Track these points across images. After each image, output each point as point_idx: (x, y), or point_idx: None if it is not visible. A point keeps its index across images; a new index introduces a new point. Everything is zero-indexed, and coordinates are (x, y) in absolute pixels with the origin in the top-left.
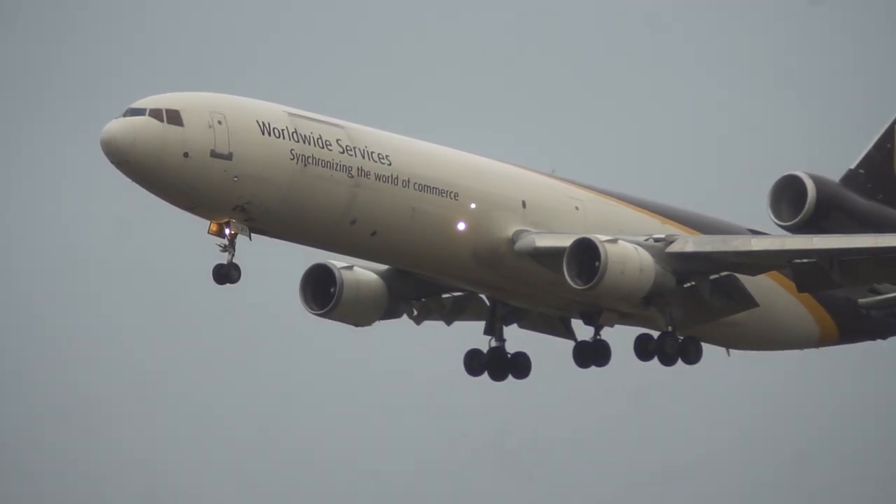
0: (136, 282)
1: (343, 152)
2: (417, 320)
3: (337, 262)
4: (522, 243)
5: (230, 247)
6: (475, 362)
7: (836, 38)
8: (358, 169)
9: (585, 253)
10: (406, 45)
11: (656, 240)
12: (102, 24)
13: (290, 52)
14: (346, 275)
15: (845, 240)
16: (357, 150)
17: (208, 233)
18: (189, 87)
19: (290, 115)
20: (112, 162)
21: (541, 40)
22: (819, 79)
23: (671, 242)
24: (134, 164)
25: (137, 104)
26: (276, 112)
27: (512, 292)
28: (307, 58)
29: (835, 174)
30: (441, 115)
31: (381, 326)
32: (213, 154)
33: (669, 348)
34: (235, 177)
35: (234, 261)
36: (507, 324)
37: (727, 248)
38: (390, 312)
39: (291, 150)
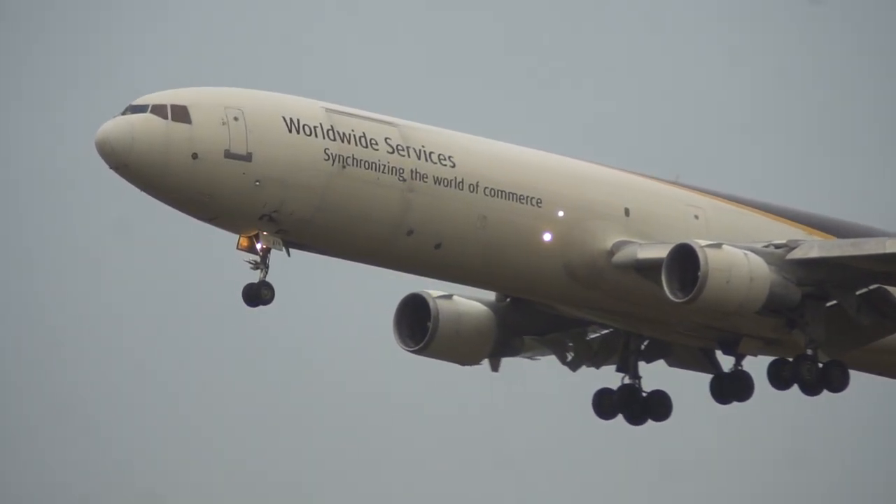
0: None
1: (393, 152)
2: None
3: (434, 290)
4: (622, 255)
5: (262, 264)
6: (605, 403)
7: (836, 38)
8: (412, 171)
9: (686, 261)
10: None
11: (777, 246)
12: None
13: (330, 50)
14: (442, 305)
15: None
16: (412, 150)
17: (238, 248)
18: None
19: (328, 111)
20: (109, 166)
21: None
22: (819, 78)
23: (793, 248)
24: (134, 167)
25: (140, 100)
26: (309, 107)
27: (627, 316)
28: (346, 57)
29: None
30: (511, 118)
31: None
32: (228, 154)
33: (807, 373)
34: (257, 181)
35: (266, 279)
36: (650, 360)
37: (859, 253)
38: (503, 348)
39: (326, 149)
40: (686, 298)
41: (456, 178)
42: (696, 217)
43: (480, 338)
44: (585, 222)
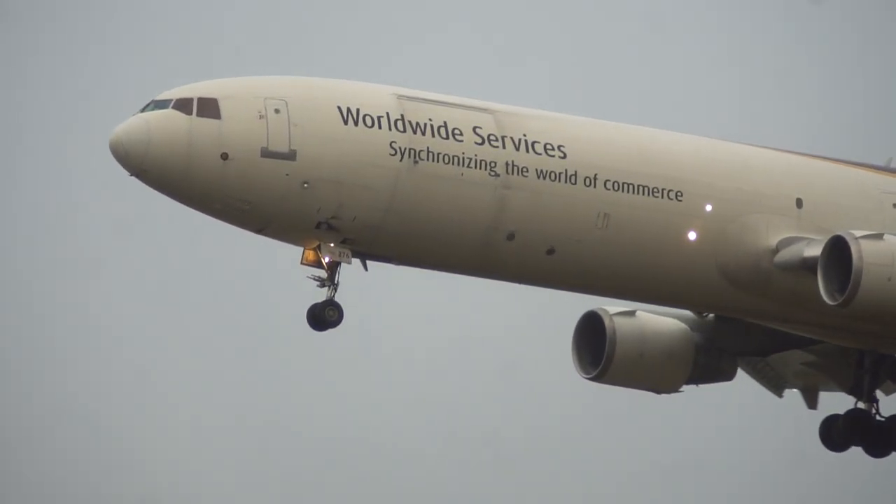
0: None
1: (483, 143)
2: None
3: (614, 307)
4: (785, 254)
5: (329, 280)
6: (834, 431)
7: (837, 38)
8: (507, 164)
9: (845, 257)
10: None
11: None
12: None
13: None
14: (621, 324)
15: None
16: (508, 140)
17: (302, 263)
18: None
19: (401, 97)
20: (128, 172)
21: None
22: (819, 78)
23: None
24: (154, 172)
25: (165, 94)
26: (375, 94)
27: (838, 330)
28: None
29: None
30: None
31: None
32: (266, 153)
33: None
34: (305, 183)
35: (334, 298)
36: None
37: None
38: (709, 373)
39: (392, 142)
40: (840, 301)
41: (567, 170)
42: (895, 206)
43: (674, 361)
44: (743, 217)
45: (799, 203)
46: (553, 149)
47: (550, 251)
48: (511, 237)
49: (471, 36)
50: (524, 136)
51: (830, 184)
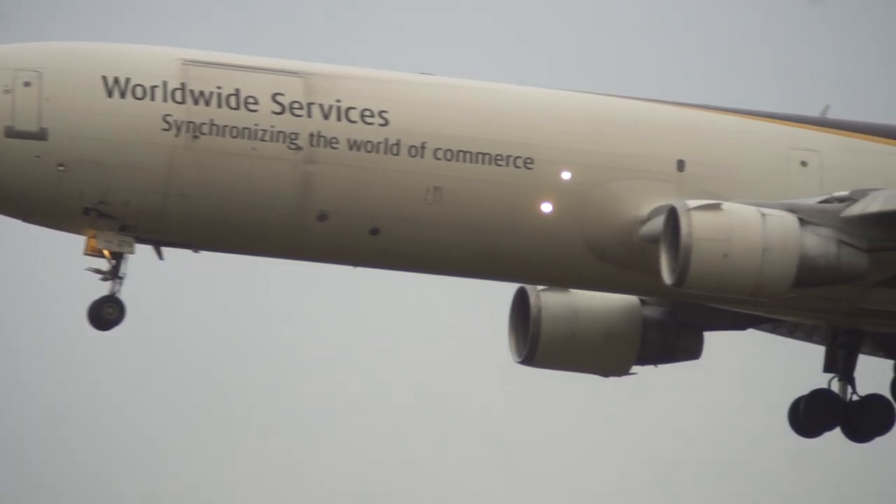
0: None
1: (283, 112)
2: None
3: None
4: (649, 226)
5: (112, 273)
6: (801, 415)
7: (836, 38)
8: (312, 135)
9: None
10: None
11: (840, 200)
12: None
13: None
14: (549, 301)
15: None
16: (316, 108)
17: (85, 253)
18: None
19: (187, 62)
20: None
21: None
22: (819, 78)
23: (855, 202)
24: None
25: None
26: (153, 61)
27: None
28: None
29: None
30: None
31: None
32: (12, 133)
33: None
34: (60, 165)
35: (115, 293)
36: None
37: None
38: (665, 350)
39: (166, 115)
40: (673, 280)
41: (388, 139)
42: (805, 164)
43: (616, 340)
44: (608, 185)
45: (680, 165)
46: (372, 115)
47: (375, 231)
48: (323, 217)
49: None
50: (337, 101)
51: (722, 140)
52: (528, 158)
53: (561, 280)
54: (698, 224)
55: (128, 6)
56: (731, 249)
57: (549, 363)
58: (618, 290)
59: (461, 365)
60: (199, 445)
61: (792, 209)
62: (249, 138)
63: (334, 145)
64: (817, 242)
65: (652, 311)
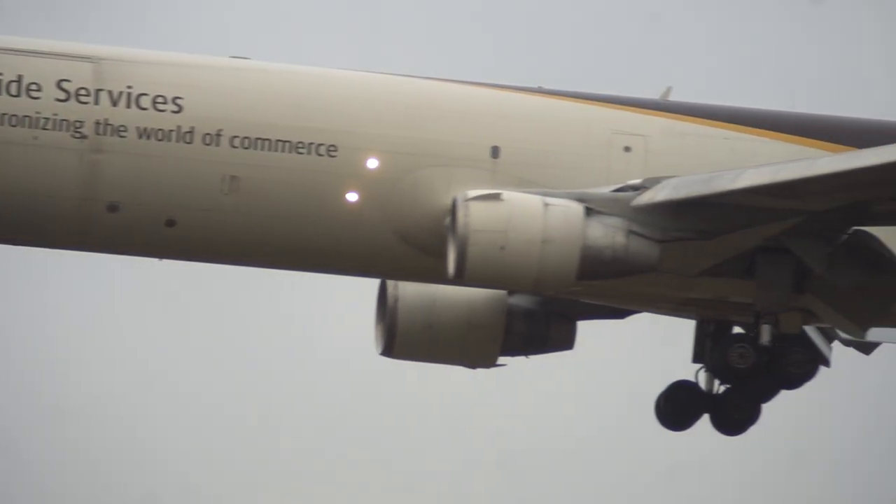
0: None
1: (68, 99)
2: None
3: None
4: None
5: None
6: (663, 408)
7: (837, 38)
8: (98, 123)
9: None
10: None
11: (635, 188)
12: None
13: None
14: (406, 291)
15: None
16: (104, 94)
17: None
18: None
19: None
20: None
21: None
22: (819, 78)
23: (645, 191)
24: None
25: None
26: None
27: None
28: None
29: None
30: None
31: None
32: None
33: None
34: None
35: None
36: None
37: (708, 191)
38: (535, 341)
39: None
40: (453, 272)
41: (181, 127)
42: (628, 149)
43: (478, 330)
44: (416, 172)
45: (495, 152)
46: (165, 101)
47: (171, 222)
48: (113, 209)
49: None
50: (129, 87)
51: (540, 125)
52: (332, 146)
53: (378, 271)
54: (475, 215)
55: (128, 8)
56: (509, 241)
57: (409, 355)
58: (438, 282)
59: (331, 359)
60: None
61: (582, 199)
62: (31, 127)
63: (122, 133)
64: (603, 233)
65: (520, 301)
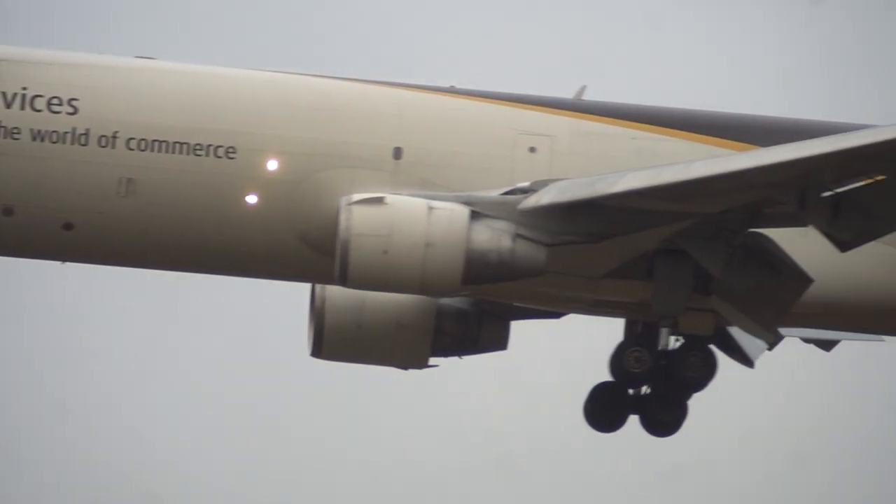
0: None
1: None
2: None
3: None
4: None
5: None
6: (593, 410)
7: (837, 38)
8: None
9: None
10: None
11: (523, 191)
12: None
13: None
14: (334, 292)
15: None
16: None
17: None
18: None
19: None
20: None
21: None
22: (819, 79)
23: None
24: None
25: None
26: None
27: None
28: None
29: None
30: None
31: None
32: None
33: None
34: None
35: None
36: None
37: (590, 195)
38: (466, 341)
39: None
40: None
41: (76, 129)
42: (534, 150)
43: (407, 331)
44: (316, 175)
45: (397, 153)
46: (61, 103)
47: (68, 226)
48: (8, 212)
49: None
50: (24, 89)
51: (443, 126)
52: (231, 147)
53: (280, 274)
54: (357, 219)
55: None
56: (392, 245)
57: (337, 356)
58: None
59: (263, 361)
60: None
61: (468, 202)
62: None
63: (15, 136)
64: (488, 237)
65: (451, 302)
